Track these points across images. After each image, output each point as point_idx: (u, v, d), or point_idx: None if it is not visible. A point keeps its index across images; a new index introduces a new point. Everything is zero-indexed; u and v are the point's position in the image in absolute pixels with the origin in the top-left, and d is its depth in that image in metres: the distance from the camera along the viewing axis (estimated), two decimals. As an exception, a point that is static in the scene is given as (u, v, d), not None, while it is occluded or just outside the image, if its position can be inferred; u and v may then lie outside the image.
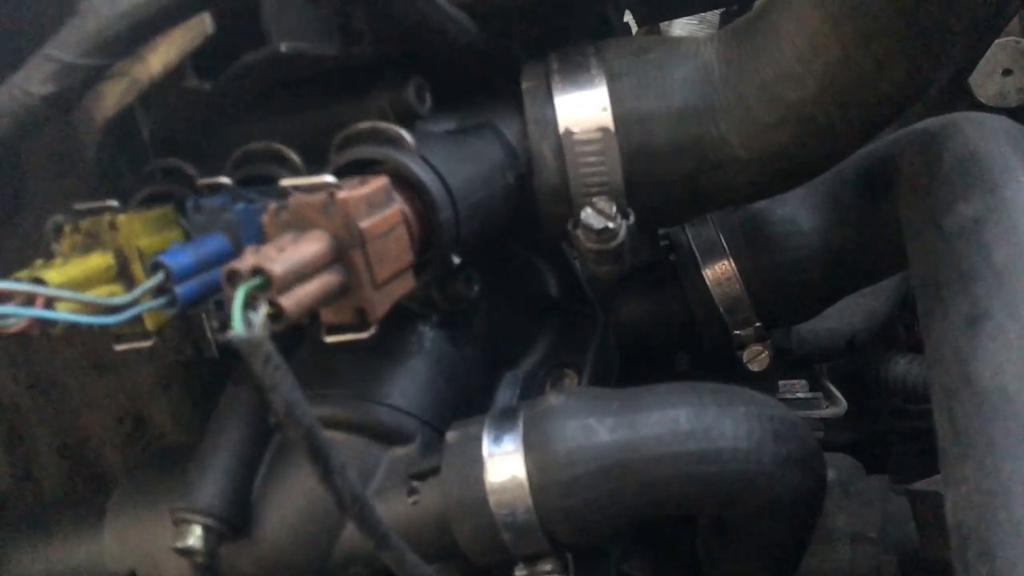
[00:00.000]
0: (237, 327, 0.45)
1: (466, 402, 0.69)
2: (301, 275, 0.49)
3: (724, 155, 0.64)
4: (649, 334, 0.82)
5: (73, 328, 0.56)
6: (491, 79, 0.68)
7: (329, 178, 0.52)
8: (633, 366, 0.80)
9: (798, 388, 1.07)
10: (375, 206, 0.53)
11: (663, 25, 1.45)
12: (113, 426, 0.87)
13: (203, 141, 0.67)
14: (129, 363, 0.83)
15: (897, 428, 1.30)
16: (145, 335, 0.62)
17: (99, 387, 0.85)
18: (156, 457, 0.74)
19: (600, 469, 0.56)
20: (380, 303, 0.54)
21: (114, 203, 0.60)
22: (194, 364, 0.79)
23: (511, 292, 0.77)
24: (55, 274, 0.55)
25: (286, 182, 0.53)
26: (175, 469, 0.69)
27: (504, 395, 0.73)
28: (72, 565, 0.71)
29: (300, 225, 0.52)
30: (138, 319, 0.59)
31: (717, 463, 0.56)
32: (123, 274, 0.59)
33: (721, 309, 0.79)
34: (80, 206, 0.60)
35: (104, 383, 0.85)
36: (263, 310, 0.46)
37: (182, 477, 0.65)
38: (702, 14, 1.62)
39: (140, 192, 0.64)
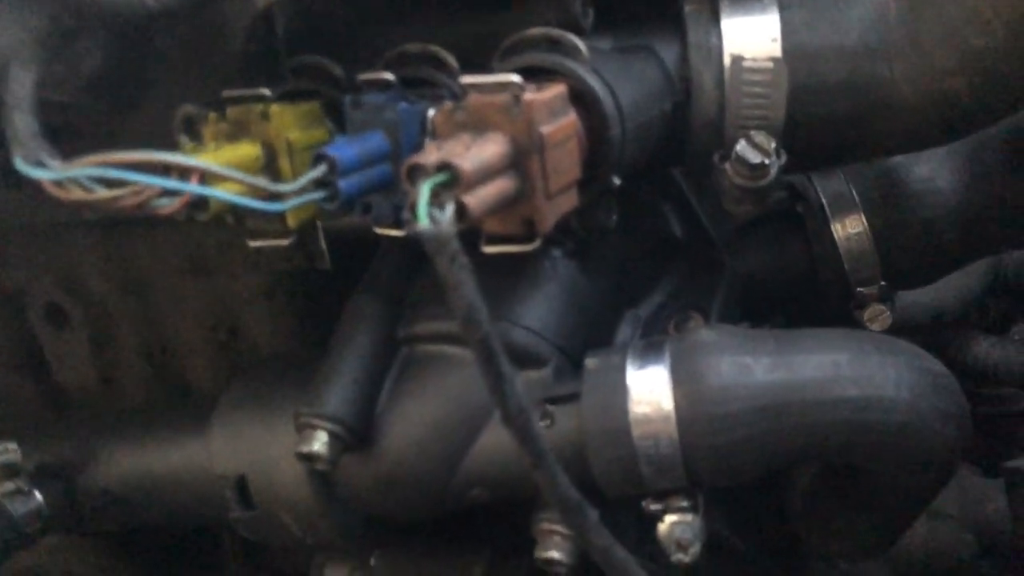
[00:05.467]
0: (423, 222, 0.43)
1: (592, 335, 0.67)
2: (485, 176, 0.47)
3: (892, 99, 0.62)
4: (768, 285, 0.80)
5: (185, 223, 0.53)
6: (650, -1, 0.66)
7: (515, 77, 0.49)
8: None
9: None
10: (555, 113, 0.51)
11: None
12: (205, 335, 0.84)
13: (344, 41, 0.65)
14: (230, 269, 0.80)
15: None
16: (285, 232, 0.60)
17: (194, 293, 0.82)
18: (266, 365, 0.72)
19: (755, 408, 0.54)
20: (550, 214, 0.52)
21: (266, 92, 0.57)
22: (300, 274, 0.77)
23: (634, 231, 0.74)
24: (210, 158, 0.53)
25: (467, 79, 0.50)
26: (289, 377, 0.67)
27: (625, 333, 0.71)
28: (174, 467, 0.70)
29: (477, 126, 0.50)
30: (280, 215, 0.57)
31: (879, 411, 0.54)
32: (270, 167, 0.57)
33: (847, 265, 0.77)
34: (229, 93, 0.58)
35: (200, 289, 0.82)
36: (450, 206, 0.44)
37: (303, 384, 0.63)
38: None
39: (281, 87, 0.62)
